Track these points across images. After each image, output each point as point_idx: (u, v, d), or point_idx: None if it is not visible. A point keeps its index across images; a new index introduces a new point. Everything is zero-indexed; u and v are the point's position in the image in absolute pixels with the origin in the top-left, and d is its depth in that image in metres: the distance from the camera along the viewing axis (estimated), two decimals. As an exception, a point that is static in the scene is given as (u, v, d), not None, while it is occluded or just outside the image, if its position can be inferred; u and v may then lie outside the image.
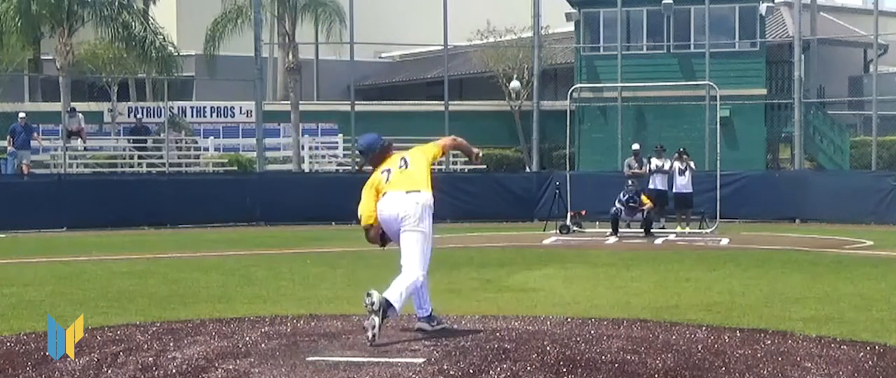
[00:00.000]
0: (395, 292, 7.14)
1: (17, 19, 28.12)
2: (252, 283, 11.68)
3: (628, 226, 21.19)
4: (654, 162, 22.59)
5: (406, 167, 7.73)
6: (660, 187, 22.40)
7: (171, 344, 7.04)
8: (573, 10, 30.65)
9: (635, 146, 23.61)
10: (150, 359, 6.45)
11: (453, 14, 28.92)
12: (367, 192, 7.77)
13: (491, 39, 33.44)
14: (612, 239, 20.01)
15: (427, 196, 7.56)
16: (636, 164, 22.36)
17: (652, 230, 20.99)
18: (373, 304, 6.94)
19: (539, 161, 30.84)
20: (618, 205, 20.93)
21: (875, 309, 9.01)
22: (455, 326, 7.82)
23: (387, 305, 6.98)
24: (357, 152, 8.68)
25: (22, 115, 27.46)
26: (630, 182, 21.29)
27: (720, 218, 22.13)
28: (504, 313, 8.69)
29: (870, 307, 9.14)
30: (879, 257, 15.29)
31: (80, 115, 29.80)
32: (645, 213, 20.78)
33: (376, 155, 7.95)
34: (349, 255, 15.12)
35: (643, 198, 21.11)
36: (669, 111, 29.14)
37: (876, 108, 27.60)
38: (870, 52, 32.24)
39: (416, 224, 7.46)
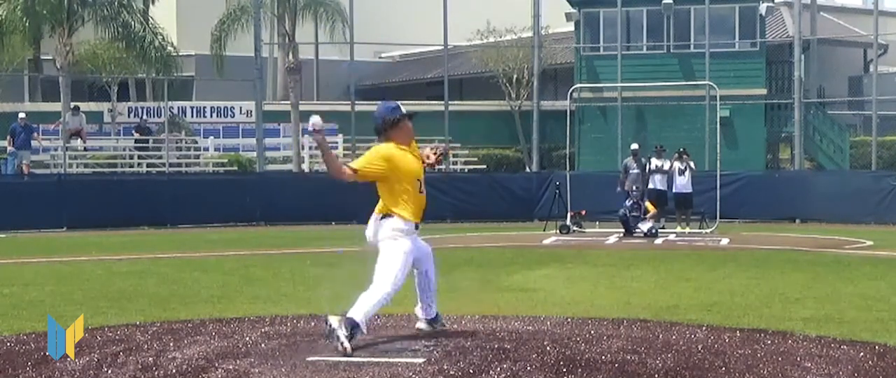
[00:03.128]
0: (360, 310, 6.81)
1: (24, 19, 28.06)
2: (252, 283, 11.67)
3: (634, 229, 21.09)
4: (654, 162, 22.58)
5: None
6: (659, 187, 22.38)
7: (171, 344, 7.04)
8: (573, 10, 30.66)
9: (634, 146, 23.60)
10: (150, 359, 6.45)
11: (453, 14, 28.93)
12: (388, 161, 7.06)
13: (491, 39, 33.44)
14: (613, 238, 20.00)
15: None
16: (635, 164, 22.35)
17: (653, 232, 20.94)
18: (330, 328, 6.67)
19: (539, 161, 30.85)
20: (624, 210, 20.84)
21: (875, 309, 9.01)
22: (455, 326, 7.82)
23: (350, 325, 6.65)
24: (383, 122, 7.24)
25: (22, 115, 27.48)
26: (634, 188, 21.21)
27: (720, 218, 22.13)
28: (504, 313, 8.69)
29: (870, 307, 9.14)
30: (879, 257, 15.29)
31: (83, 114, 29.81)
32: (649, 226, 20.68)
33: (405, 128, 7.26)
34: (349, 255, 15.10)
35: (647, 204, 21.07)
36: (669, 111, 29.15)
37: (876, 108, 27.61)
38: (870, 52, 32.24)
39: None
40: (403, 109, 7.25)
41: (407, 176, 7.12)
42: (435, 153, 7.57)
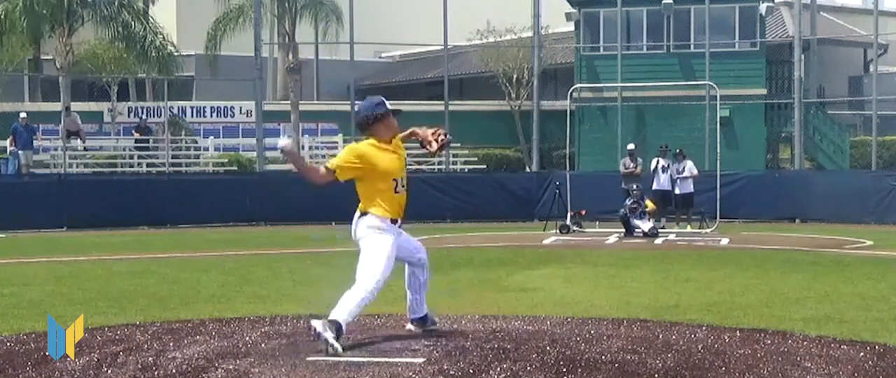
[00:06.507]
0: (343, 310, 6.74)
1: (22, 19, 28.03)
2: (252, 283, 11.67)
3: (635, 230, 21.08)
4: (661, 161, 22.62)
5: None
6: (664, 187, 22.43)
7: (171, 344, 7.04)
8: (573, 10, 30.67)
9: (630, 146, 23.72)
10: (150, 359, 6.45)
11: (453, 14, 28.92)
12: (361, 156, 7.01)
13: (491, 39, 33.46)
14: (613, 238, 20.00)
15: None
16: (632, 164, 22.37)
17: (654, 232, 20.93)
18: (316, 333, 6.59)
19: (539, 161, 30.84)
20: (625, 209, 20.86)
21: (875, 309, 9.01)
22: (455, 326, 7.81)
23: (335, 327, 6.57)
24: (365, 118, 7.17)
25: (23, 114, 27.48)
26: (634, 187, 21.22)
27: (720, 218, 22.13)
28: (504, 313, 8.68)
29: (870, 307, 9.13)
30: (879, 257, 15.28)
31: (75, 114, 29.65)
32: (650, 226, 20.66)
33: (388, 123, 7.15)
34: (348, 255, 15.08)
35: (648, 202, 21.09)
36: (669, 111, 29.14)
37: (876, 108, 27.61)
38: (870, 52, 32.25)
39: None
40: (388, 105, 7.16)
41: (383, 175, 7.04)
42: (436, 138, 7.46)
